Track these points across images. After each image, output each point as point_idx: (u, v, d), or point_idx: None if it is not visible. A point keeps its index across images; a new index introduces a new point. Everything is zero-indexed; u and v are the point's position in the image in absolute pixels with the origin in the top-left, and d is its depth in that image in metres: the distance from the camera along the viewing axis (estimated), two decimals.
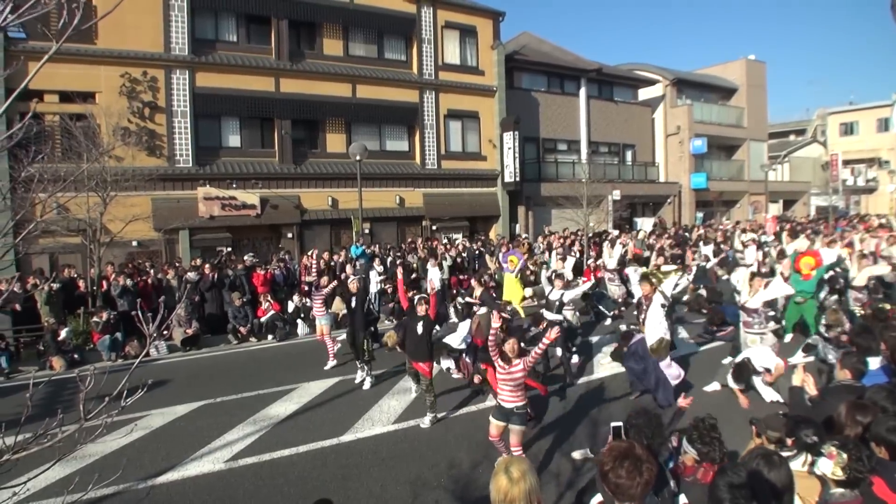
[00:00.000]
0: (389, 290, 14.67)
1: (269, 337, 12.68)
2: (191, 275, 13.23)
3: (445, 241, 19.64)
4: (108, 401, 2.25)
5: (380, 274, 14.75)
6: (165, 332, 11.76)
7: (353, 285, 9.57)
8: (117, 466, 5.81)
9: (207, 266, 13.61)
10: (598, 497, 2.83)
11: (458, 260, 17.19)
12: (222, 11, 18.01)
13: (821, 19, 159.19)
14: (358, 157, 16.84)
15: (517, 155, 22.61)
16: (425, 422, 7.20)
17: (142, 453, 6.63)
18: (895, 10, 4.92)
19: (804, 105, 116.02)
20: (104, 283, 12.69)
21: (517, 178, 22.72)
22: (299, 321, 13.25)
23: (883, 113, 43.58)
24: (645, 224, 28.79)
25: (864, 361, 4.72)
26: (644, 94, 31.76)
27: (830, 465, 2.81)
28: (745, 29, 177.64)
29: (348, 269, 13.66)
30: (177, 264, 14.76)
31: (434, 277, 13.29)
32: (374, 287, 14.40)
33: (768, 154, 36.31)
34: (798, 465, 3.31)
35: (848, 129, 47.91)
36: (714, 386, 8.09)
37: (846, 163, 41.93)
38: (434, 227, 21.57)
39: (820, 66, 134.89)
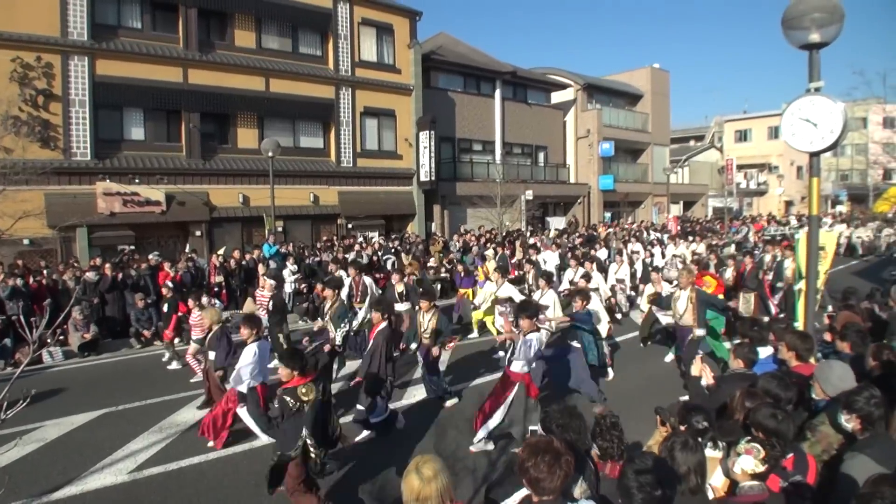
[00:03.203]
0: (304, 290, 14.45)
1: (176, 340, 12.14)
2: (90, 275, 12.47)
3: (361, 238, 19.48)
4: None
5: (293, 273, 14.49)
6: (61, 338, 11.08)
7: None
8: (6, 483, 5.44)
9: (108, 266, 12.90)
10: (523, 492, 2.85)
11: (374, 258, 17.09)
12: None
13: (719, 33, 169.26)
14: (270, 154, 16.47)
15: (433, 154, 22.77)
16: None
17: (35, 468, 6.23)
18: (786, 25, 5.29)
19: (703, 113, 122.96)
20: None
21: (433, 178, 22.89)
22: None
23: (773, 122, 46.72)
24: (556, 223, 29.69)
25: (755, 351, 5.09)
26: (556, 97, 32.70)
27: (751, 460, 2.90)
28: (650, 39, 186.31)
29: (261, 268, 13.33)
30: (74, 264, 13.87)
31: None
32: (288, 287, 14.15)
33: (670, 158, 38.31)
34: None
35: (742, 136, 51.43)
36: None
37: (740, 167, 44.92)
38: (349, 226, 21.36)
39: (718, 77, 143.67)
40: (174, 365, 10.31)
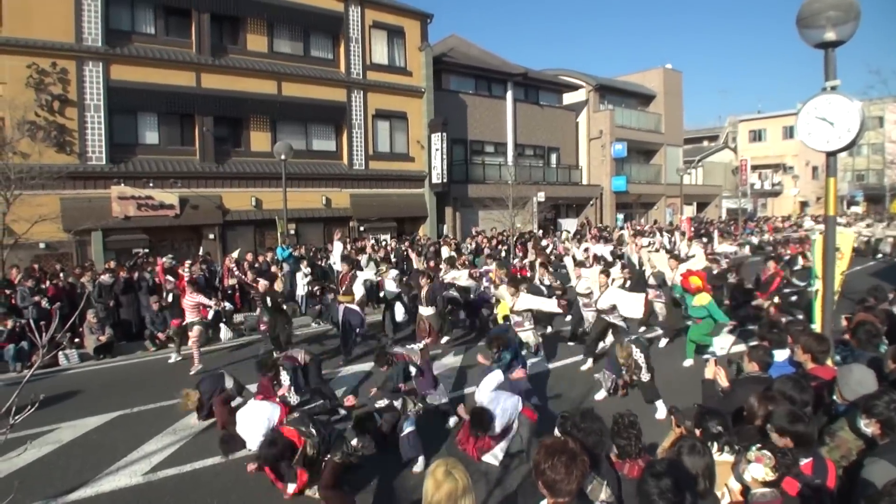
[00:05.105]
0: (318, 292, 14.47)
1: (190, 342, 12.19)
2: (105, 278, 12.57)
3: (372, 241, 19.52)
4: None
5: (306, 276, 14.53)
6: (77, 341, 11.18)
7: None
8: (22, 485, 5.48)
9: (122, 269, 12.99)
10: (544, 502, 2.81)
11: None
12: (139, 1, 17.24)
13: (733, 32, 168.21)
14: (283, 157, 16.53)
15: (445, 156, 22.80)
16: None
17: (51, 469, 6.27)
18: (801, 24, 5.22)
19: (717, 113, 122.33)
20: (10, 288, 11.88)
21: (444, 180, 22.91)
22: (222, 325, 12.80)
23: (788, 121, 46.51)
24: (568, 225, 29.59)
25: (770, 354, 5.00)
26: (568, 98, 32.64)
27: (761, 468, 2.86)
28: (663, 39, 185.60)
29: (273, 270, 13.37)
30: (90, 267, 13.99)
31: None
32: (301, 290, 14.20)
33: (683, 159, 38.14)
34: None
35: (756, 136, 51.09)
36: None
37: (754, 168, 44.61)
38: (361, 228, 21.42)
39: (732, 76, 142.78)
40: (174, 358, 11.02)
